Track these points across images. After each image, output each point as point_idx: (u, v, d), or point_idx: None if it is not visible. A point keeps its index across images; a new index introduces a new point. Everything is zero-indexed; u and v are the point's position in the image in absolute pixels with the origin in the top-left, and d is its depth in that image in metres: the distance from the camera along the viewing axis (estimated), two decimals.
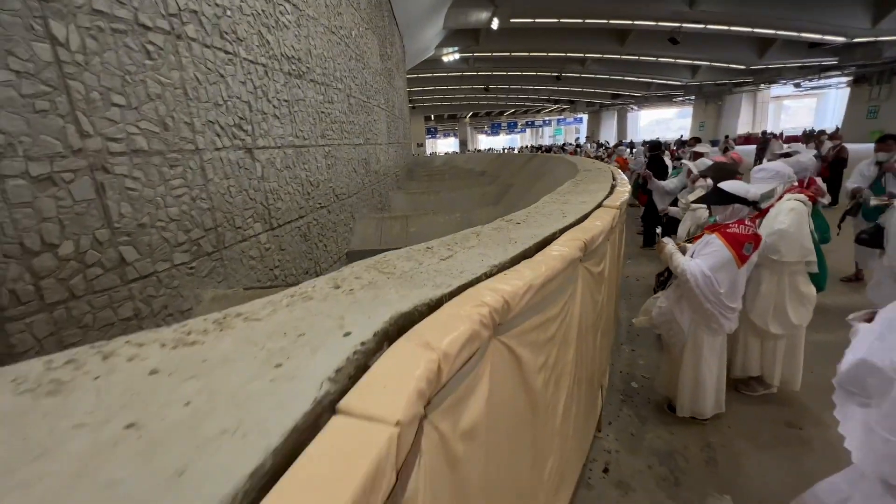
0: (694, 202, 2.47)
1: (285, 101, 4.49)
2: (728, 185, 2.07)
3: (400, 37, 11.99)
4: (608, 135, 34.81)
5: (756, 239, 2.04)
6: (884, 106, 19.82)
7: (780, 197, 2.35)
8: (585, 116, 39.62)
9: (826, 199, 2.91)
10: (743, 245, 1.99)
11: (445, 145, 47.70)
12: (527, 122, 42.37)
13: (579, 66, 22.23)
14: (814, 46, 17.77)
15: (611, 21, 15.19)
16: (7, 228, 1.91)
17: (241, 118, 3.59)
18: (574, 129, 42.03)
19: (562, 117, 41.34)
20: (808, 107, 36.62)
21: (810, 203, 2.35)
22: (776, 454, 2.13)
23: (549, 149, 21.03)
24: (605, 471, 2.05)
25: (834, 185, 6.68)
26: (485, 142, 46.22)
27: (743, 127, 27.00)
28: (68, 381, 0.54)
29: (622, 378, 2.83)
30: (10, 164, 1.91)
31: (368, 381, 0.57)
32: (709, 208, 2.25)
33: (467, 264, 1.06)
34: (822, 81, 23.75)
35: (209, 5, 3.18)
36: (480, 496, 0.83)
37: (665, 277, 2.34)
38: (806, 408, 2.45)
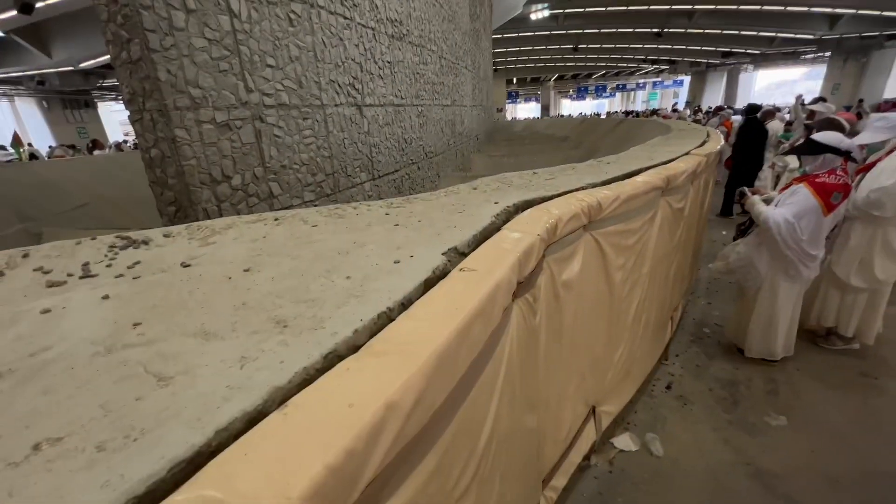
0: (786, 154, 2.44)
1: (388, 62, 4.91)
2: (821, 136, 2.05)
3: None
4: (713, 99, 30.96)
5: (845, 189, 2.03)
6: None
7: (890, 152, 2.24)
8: (687, 79, 35.50)
9: None
10: (831, 194, 2.00)
11: (525, 110, 46.05)
12: (617, 85, 39.13)
13: (685, 20, 19.89)
14: None
15: None
16: (202, 162, 2.54)
17: (354, 78, 4.08)
18: (672, 94, 37.97)
19: (658, 80, 37.51)
20: None
21: None
22: (842, 393, 2.20)
23: (637, 114, 19.53)
24: (668, 387, 2.30)
25: None
26: (569, 107, 43.77)
27: (893, 90, 22.33)
28: (343, 214, 0.97)
29: (695, 324, 2.97)
30: (205, 112, 2.51)
31: (517, 221, 0.93)
32: (799, 159, 2.25)
33: (567, 182, 1.38)
34: None
35: None
36: (569, 334, 1.18)
37: (746, 226, 2.40)
38: (885, 362, 2.44)
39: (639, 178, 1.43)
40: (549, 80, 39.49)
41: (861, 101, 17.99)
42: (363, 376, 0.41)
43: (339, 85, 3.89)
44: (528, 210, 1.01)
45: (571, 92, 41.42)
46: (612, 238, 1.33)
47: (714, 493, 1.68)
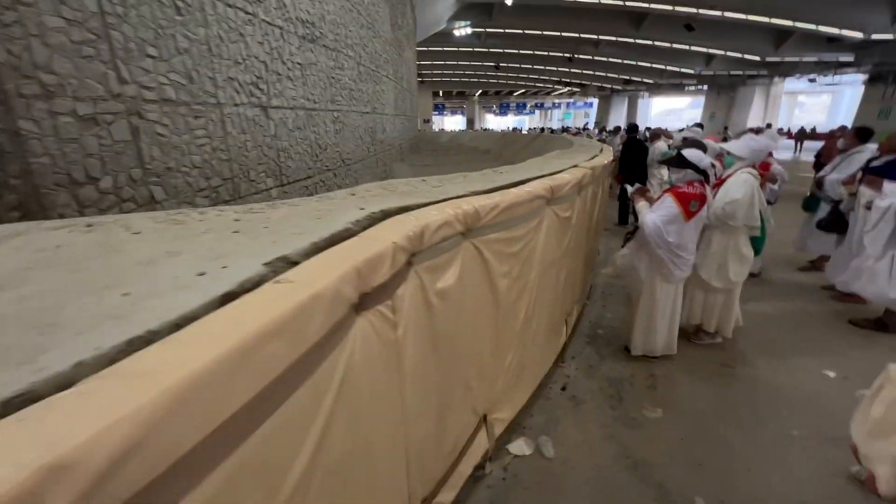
0: (660, 162, 2.80)
1: (299, 63, 4.68)
2: (687, 153, 2.40)
3: (412, 7, 11.94)
4: (617, 120, 34.43)
5: (701, 198, 2.37)
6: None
7: (734, 172, 2.66)
8: (596, 101, 39.16)
9: (776, 185, 3.39)
10: (689, 202, 2.33)
11: (453, 123, 47.24)
12: (536, 103, 41.90)
13: (592, 48, 21.93)
14: (832, 41, 17.54)
15: (627, 3, 15.01)
16: (58, 160, 2.18)
17: (257, 77, 3.81)
18: (583, 114, 41.61)
19: (572, 101, 40.87)
20: (824, 104, 36.09)
21: (759, 178, 2.67)
22: (707, 383, 2.52)
23: (552, 130, 21.01)
24: (563, 389, 2.42)
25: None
26: (493, 121, 45.81)
27: (754, 120, 26.68)
28: (182, 220, 0.85)
29: (590, 326, 3.19)
30: (62, 102, 2.16)
31: (377, 228, 0.88)
32: (669, 169, 2.56)
33: (453, 190, 1.37)
34: (838, 78, 23.47)
35: None
36: (448, 344, 1.16)
37: (631, 234, 2.67)
38: (741, 353, 2.84)
39: (521, 188, 1.47)
40: (474, 94, 41.01)
41: (725, 128, 21.15)
42: (39, 428, 0.31)
43: (239, 83, 3.60)
44: (395, 217, 0.97)
45: (495, 107, 43.44)
46: (494, 245, 1.34)
47: (598, 488, 1.77)
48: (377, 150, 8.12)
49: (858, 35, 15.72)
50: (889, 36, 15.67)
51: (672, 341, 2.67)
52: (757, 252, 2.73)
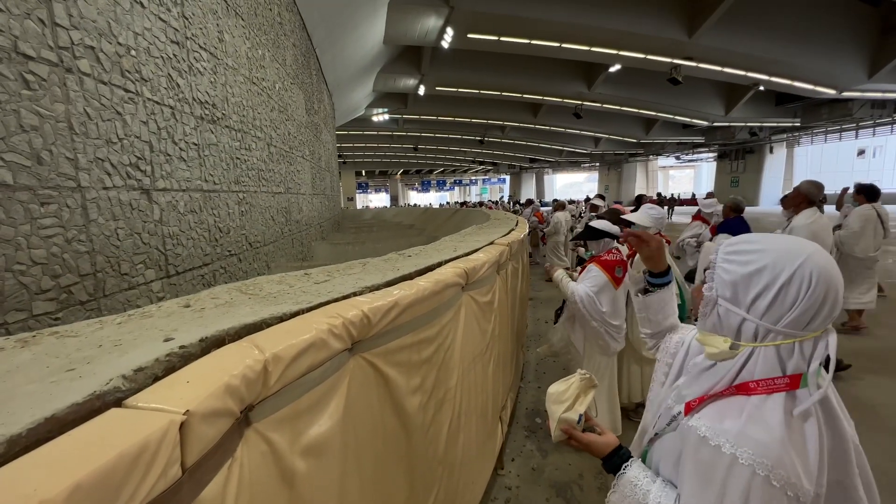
0: (572, 239, 2.82)
1: (194, 144, 4.31)
2: (596, 223, 2.43)
3: (329, 94, 12.35)
4: (528, 194, 37.94)
5: (623, 264, 2.36)
6: (742, 177, 24.52)
7: None
8: (508, 177, 43.05)
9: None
10: (614, 269, 2.30)
11: (378, 200, 48.35)
12: (455, 180, 44.89)
13: (500, 131, 24.46)
14: (686, 127, 21.61)
15: (524, 95, 17.17)
16: None
17: (138, 157, 3.36)
18: (498, 189, 45.27)
19: (487, 177, 44.48)
20: (689, 176, 43.58)
21: (668, 245, 2.80)
22: None
23: (474, 204, 22.25)
24: None
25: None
26: (416, 198, 47.72)
27: (639, 190, 31.20)
28: None
29: (527, 414, 2.90)
30: None
31: (171, 379, 0.54)
32: (585, 245, 2.55)
33: (340, 286, 1.07)
34: (695, 155, 28.80)
35: (110, 43, 3.06)
36: None
37: (560, 309, 2.56)
38: None
39: (429, 277, 1.23)
40: (396, 173, 42.84)
41: (619, 202, 24.66)
42: None
43: (111, 164, 3.11)
44: (225, 347, 0.65)
45: (417, 185, 45.58)
46: (396, 356, 1.04)
47: None
48: (293, 230, 7.72)
49: (704, 122, 19.48)
50: (725, 123, 19.65)
51: (616, 421, 2.46)
52: (681, 318, 2.75)
